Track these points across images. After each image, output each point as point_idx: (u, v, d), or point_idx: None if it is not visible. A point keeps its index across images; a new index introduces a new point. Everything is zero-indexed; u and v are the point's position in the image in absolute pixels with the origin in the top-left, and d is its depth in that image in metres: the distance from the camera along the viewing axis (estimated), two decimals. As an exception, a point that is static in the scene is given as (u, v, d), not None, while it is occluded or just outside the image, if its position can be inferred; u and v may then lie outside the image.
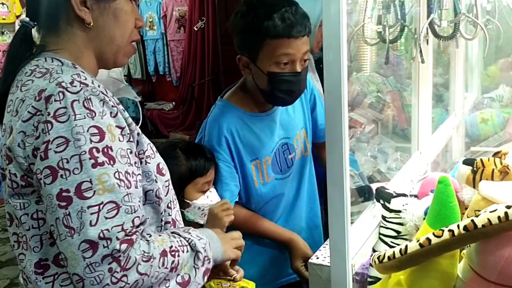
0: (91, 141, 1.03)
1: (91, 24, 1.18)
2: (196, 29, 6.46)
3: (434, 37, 1.90)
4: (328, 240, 1.29)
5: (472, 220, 1.10)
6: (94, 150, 1.03)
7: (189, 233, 1.24)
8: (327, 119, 1.17)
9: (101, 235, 1.00)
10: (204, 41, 6.46)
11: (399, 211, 1.53)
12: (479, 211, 1.22)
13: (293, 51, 1.69)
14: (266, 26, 1.67)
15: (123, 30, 1.23)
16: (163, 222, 1.24)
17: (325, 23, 1.11)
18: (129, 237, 1.03)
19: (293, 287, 2.10)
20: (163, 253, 1.11)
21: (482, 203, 1.31)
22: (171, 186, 1.29)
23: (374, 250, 1.56)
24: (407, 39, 2.12)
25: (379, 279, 1.50)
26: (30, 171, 1.07)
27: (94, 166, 1.02)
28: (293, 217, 2.04)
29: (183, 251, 1.17)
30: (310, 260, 1.47)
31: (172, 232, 1.22)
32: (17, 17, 6.65)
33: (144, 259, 1.05)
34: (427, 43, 1.94)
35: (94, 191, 1.01)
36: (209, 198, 1.70)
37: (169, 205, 1.26)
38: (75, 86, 1.05)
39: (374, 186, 1.70)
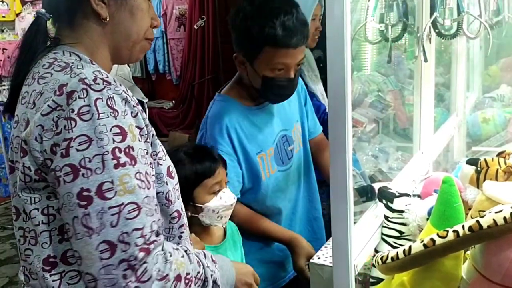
0: (113, 141, 1.02)
1: (107, 19, 1.18)
2: (196, 27, 6.45)
3: (437, 36, 1.89)
4: (330, 240, 1.28)
5: (477, 221, 1.09)
6: (116, 150, 1.02)
7: (206, 262, 1.24)
8: (330, 118, 1.16)
9: (121, 238, 1.00)
10: (204, 40, 6.46)
11: (402, 211, 1.52)
12: (483, 211, 1.21)
13: (289, 60, 1.74)
14: (267, 34, 1.69)
15: (138, 27, 1.23)
16: (171, 225, 1.23)
17: (328, 23, 1.11)
18: (147, 246, 1.03)
19: (291, 286, 2.10)
20: (178, 278, 1.10)
21: (486, 203, 1.30)
22: (178, 192, 1.28)
23: (376, 251, 1.55)
24: (410, 38, 2.11)
25: (382, 279, 1.50)
26: (45, 166, 1.06)
27: (116, 166, 1.02)
28: (295, 210, 2.06)
29: (195, 284, 1.16)
30: (311, 260, 1.46)
31: (193, 254, 1.21)
32: (17, 15, 6.64)
33: (159, 277, 1.05)
34: (430, 42, 1.93)
35: (115, 192, 1.01)
36: (223, 199, 1.66)
37: (182, 208, 1.26)
38: (98, 84, 1.05)
39: (375, 186, 1.70)
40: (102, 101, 1.04)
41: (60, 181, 1.02)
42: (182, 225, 1.26)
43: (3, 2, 6.62)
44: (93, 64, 1.14)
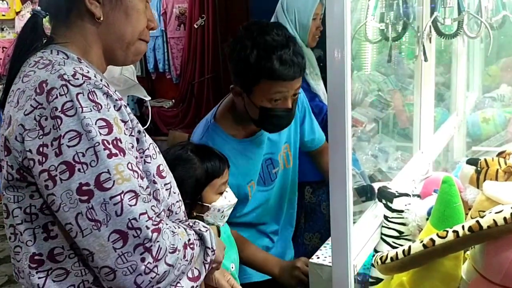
0: (100, 133, 1.02)
1: (101, 18, 1.17)
2: (196, 26, 6.44)
3: (438, 35, 1.89)
4: (329, 239, 1.28)
5: (477, 221, 1.09)
6: (105, 141, 1.02)
7: (197, 225, 1.25)
8: (330, 118, 1.16)
9: (130, 224, 1.01)
10: (204, 39, 6.45)
11: (402, 211, 1.51)
12: (483, 211, 1.21)
13: (286, 90, 1.75)
14: (264, 68, 1.70)
15: (133, 28, 1.22)
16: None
17: (328, 22, 1.11)
18: (156, 226, 1.04)
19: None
20: (185, 246, 1.12)
21: (486, 203, 1.30)
22: (174, 190, 1.26)
23: (376, 251, 1.55)
24: (410, 37, 2.11)
25: (381, 280, 1.49)
26: (24, 166, 1.06)
27: (109, 156, 1.02)
28: (274, 220, 2.10)
29: (196, 245, 1.18)
30: (311, 260, 1.46)
31: (185, 225, 1.22)
32: (17, 13, 6.63)
33: (170, 250, 1.06)
34: (430, 42, 1.93)
35: (114, 181, 1.01)
36: (227, 199, 1.68)
37: (171, 208, 1.24)
38: (77, 79, 1.05)
39: (375, 186, 1.69)
40: (83, 95, 1.03)
41: (57, 180, 1.01)
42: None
43: (3, 0, 6.62)
44: (81, 63, 1.14)
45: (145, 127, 1.26)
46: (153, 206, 1.07)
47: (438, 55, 2.88)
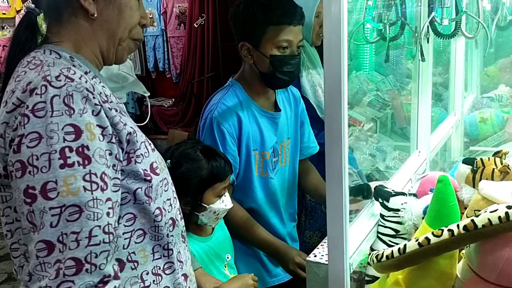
0: (64, 139, 1.00)
1: (95, 15, 1.16)
2: (196, 26, 6.45)
3: (435, 35, 1.89)
4: (326, 238, 1.29)
5: (472, 220, 1.10)
6: (66, 149, 1.00)
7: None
8: (327, 117, 1.17)
9: (60, 238, 0.98)
10: (204, 38, 6.45)
11: (398, 210, 1.52)
12: (479, 210, 1.22)
13: (292, 37, 1.88)
14: (269, 14, 1.86)
15: (126, 25, 1.22)
16: (156, 223, 1.18)
17: (325, 22, 1.11)
18: (79, 257, 0.99)
19: (285, 287, 2.13)
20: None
21: (482, 202, 1.31)
22: (169, 186, 1.24)
23: (372, 249, 1.55)
24: (408, 37, 2.11)
25: (377, 278, 1.50)
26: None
27: (62, 166, 0.99)
28: (276, 216, 2.10)
29: None
30: (308, 258, 1.46)
31: None
32: (18, 12, 6.64)
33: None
34: (428, 42, 1.93)
35: (58, 193, 0.99)
36: (224, 203, 1.74)
37: (165, 204, 1.21)
38: (60, 81, 1.03)
39: (372, 185, 1.70)
40: (59, 98, 1.01)
41: (12, 176, 1.02)
42: (170, 223, 1.22)
43: (4, -1, 6.63)
44: (73, 61, 1.14)
45: (143, 123, 1.25)
46: (99, 227, 1.02)
47: (437, 55, 2.89)
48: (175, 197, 1.27)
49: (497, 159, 1.53)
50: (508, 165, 1.50)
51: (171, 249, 1.22)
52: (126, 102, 6.64)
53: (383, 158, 2.67)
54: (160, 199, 1.19)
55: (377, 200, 1.59)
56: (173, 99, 6.99)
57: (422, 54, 1.86)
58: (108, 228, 1.04)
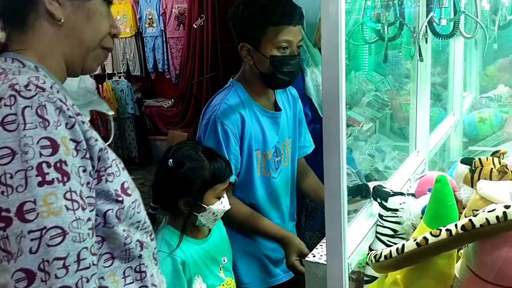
0: (41, 154, 0.91)
1: (62, 21, 1.07)
2: (195, 26, 6.46)
3: (433, 35, 1.89)
4: (325, 238, 1.29)
5: (470, 220, 1.10)
6: (44, 165, 0.91)
7: None
8: (325, 117, 1.17)
9: (41, 266, 0.89)
10: (203, 39, 6.47)
11: (396, 210, 1.52)
12: (477, 210, 1.22)
13: (292, 37, 1.88)
14: (269, 15, 1.85)
15: (95, 32, 1.13)
16: (127, 246, 1.11)
17: (323, 23, 1.11)
18: (70, 281, 0.92)
19: (285, 287, 2.13)
20: None
21: (480, 202, 1.31)
22: (141, 208, 1.16)
23: (371, 249, 1.55)
24: (406, 37, 2.11)
25: (376, 278, 1.50)
26: None
27: (40, 184, 0.90)
28: (278, 216, 2.11)
29: None
30: (306, 258, 1.47)
31: None
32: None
33: None
34: (426, 42, 1.93)
35: (38, 214, 0.89)
36: (222, 204, 1.74)
37: (131, 227, 1.13)
38: (30, 90, 0.94)
39: (371, 185, 1.70)
40: (32, 109, 0.92)
41: None
42: (138, 244, 1.14)
43: None
44: (38, 71, 1.04)
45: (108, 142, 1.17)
46: (86, 248, 0.95)
47: (436, 55, 2.89)
48: (146, 219, 1.19)
49: (495, 159, 1.53)
50: (506, 164, 1.50)
51: (144, 271, 1.15)
52: (125, 103, 6.66)
53: (382, 158, 2.68)
54: (129, 221, 1.11)
55: (376, 200, 1.59)
56: (172, 100, 7.01)
57: (420, 54, 1.86)
58: (93, 249, 0.98)
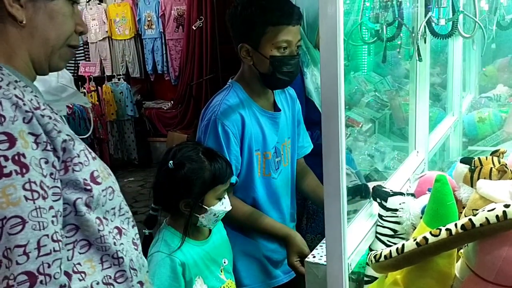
0: None
1: (24, 22, 1.09)
2: (194, 28, 6.47)
3: (432, 35, 1.89)
4: (324, 239, 1.29)
5: (470, 219, 1.10)
6: (1, 158, 0.94)
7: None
8: (324, 117, 1.17)
9: (5, 253, 0.93)
10: (202, 40, 6.48)
11: (396, 210, 1.52)
12: (476, 210, 1.21)
13: (291, 37, 1.88)
14: (269, 15, 1.85)
15: (58, 32, 1.15)
16: (101, 232, 1.13)
17: (322, 24, 1.11)
18: (31, 270, 0.95)
19: (291, 286, 2.12)
20: None
21: (480, 202, 1.31)
22: (115, 194, 1.18)
23: (370, 249, 1.55)
24: (405, 37, 2.11)
25: (376, 278, 1.50)
26: None
27: None
28: (278, 217, 2.10)
29: None
30: (306, 259, 1.47)
31: None
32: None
33: None
34: (425, 42, 1.93)
35: None
36: (223, 205, 1.74)
37: (107, 214, 1.16)
38: None
39: (371, 185, 1.70)
40: None
41: None
42: (116, 232, 1.17)
43: None
44: (2, 70, 1.06)
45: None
46: (45, 236, 0.98)
47: (435, 55, 2.89)
48: (122, 206, 1.21)
49: (495, 158, 1.53)
50: (506, 164, 1.50)
51: (121, 257, 1.16)
52: (125, 105, 6.66)
53: (381, 159, 2.68)
54: (102, 208, 1.14)
55: (375, 200, 1.59)
56: (172, 102, 7.01)
57: (419, 54, 1.86)
58: (56, 236, 1.00)
